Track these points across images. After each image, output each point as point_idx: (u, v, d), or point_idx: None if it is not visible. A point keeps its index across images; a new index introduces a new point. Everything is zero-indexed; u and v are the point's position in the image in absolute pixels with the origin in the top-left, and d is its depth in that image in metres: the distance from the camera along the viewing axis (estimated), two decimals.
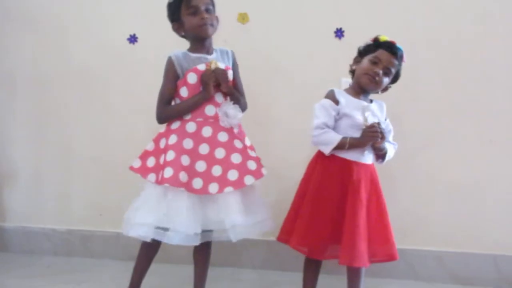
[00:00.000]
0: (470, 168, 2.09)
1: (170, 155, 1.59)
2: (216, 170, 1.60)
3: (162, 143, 1.64)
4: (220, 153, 1.62)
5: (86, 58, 2.33)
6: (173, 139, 1.62)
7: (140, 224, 1.58)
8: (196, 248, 1.73)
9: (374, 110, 1.67)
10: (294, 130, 2.17)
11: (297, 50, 2.17)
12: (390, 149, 1.68)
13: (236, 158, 1.62)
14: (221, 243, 2.19)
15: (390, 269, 2.10)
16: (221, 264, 2.23)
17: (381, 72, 1.61)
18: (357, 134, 1.60)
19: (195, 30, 1.65)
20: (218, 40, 2.19)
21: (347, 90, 1.69)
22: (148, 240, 1.59)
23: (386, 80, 1.64)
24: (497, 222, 2.07)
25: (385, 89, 1.71)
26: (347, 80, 2.05)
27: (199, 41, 1.69)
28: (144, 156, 1.66)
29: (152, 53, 2.23)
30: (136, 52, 2.28)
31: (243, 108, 1.74)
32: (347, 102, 1.63)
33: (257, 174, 1.63)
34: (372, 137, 1.58)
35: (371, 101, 1.70)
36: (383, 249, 1.61)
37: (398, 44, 1.66)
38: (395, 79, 1.70)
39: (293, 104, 2.17)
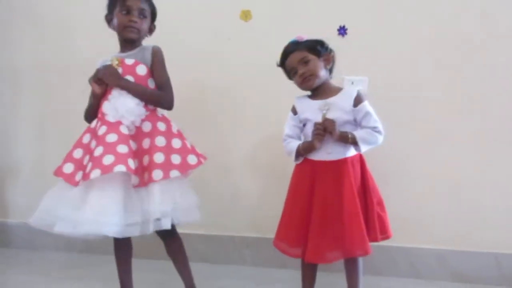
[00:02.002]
0: (471, 166, 2.08)
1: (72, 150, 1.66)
2: (89, 165, 1.55)
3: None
4: (93, 145, 1.61)
5: (90, 55, 2.32)
6: (86, 137, 1.67)
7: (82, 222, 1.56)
8: (165, 245, 1.73)
9: (337, 103, 1.62)
10: None
11: None
12: (364, 134, 1.60)
13: (97, 151, 1.55)
14: (220, 240, 2.23)
15: (391, 267, 2.10)
16: (222, 261, 2.24)
17: (304, 69, 1.63)
18: None
19: (119, 29, 1.69)
20: (221, 36, 2.21)
21: (310, 94, 1.70)
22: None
23: (318, 64, 1.64)
24: (498, 221, 2.07)
25: (327, 60, 1.67)
26: (350, 78, 2.05)
27: (124, 41, 1.73)
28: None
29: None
30: None
31: (160, 103, 1.70)
32: (304, 107, 1.66)
33: (106, 169, 1.49)
34: (316, 136, 1.58)
35: (339, 90, 1.65)
36: (355, 244, 1.56)
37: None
38: (317, 50, 1.67)
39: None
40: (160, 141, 1.63)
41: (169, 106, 1.72)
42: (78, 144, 1.67)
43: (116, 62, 1.66)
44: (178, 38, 2.19)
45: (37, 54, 2.39)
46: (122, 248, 1.73)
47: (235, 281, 2.08)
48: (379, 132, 1.61)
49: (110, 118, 1.61)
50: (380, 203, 1.67)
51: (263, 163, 2.24)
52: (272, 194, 2.15)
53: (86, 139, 1.66)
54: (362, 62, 2.10)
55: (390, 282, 2.08)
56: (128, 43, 1.72)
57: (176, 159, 1.62)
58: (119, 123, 1.60)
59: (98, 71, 1.67)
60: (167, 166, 1.59)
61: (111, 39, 2.28)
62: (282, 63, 1.71)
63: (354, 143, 1.59)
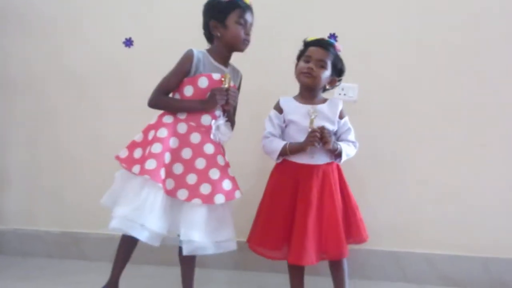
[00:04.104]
0: (460, 171, 2.12)
1: (157, 148, 1.56)
2: (191, 178, 1.58)
3: (151, 135, 1.62)
4: (201, 163, 1.60)
5: (81, 61, 2.35)
6: (162, 132, 1.59)
7: (115, 216, 1.55)
8: (180, 251, 1.71)
9: (324, 111, 1.69)
10: None
11: (291, 54, 2.18)
12: (348, 148, 1.69)
13: (214, 174, 1.59)
14: None
15: (381, 271, 2.12)
16: (212, 266, 2.24)
17: (314, 66, 1.66)
18: (304, 137, 1.64)
19: (236, 42, 1.67)
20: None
21: (296, 97, 1.74)
22: (122, 232, 1.57)
23: (325, 72, 1.68)
24: (486, 225, 2.10)
25: (333, 82, 1.75)
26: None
27: (229, 51, 1.71)
28: (132, 146, 1.63)
29: (147, 56, 2.25)
30: (131, 55, 2.30)
31: (233, 127, 1.78)
32: (291, 108, 1.70)
33: (229, 195, 1.59)
34: (311, 141, 1.60)
35: (325, 100, 1.73)
36: (333, 247, 1.63)
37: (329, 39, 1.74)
38: (339, 71, 1.74)
39: None
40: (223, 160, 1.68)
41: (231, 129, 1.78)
42: (167, 146, 1.58)
43: (227, 84, 1.63)
44: (173, 44, 2.21)
45: (28, 60, 2.39)
46: (133, 241, 1.65)
47: (225, 286, 2.09)
48: (356, 147, 1.72)
49: (216, 138, 1.64)
50: (358, 208, 1.73)
51: (249, 166, 2.24)
52: (257, 197, 2.18)
53: (174, 143, 1.60)
54: (351, 69, 2.12)
55: (379, 286, 2.10)
56: (229, 54, 1.72)
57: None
58: (220, 145, 1.66)
59: (227, 93, 1.62)
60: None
61: (103, 46, 2.32)
62: (308, 44, 1.72)
63: (338, 155, 1.66)
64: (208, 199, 1.55)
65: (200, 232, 1.56)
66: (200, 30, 2.20)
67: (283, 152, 1.65)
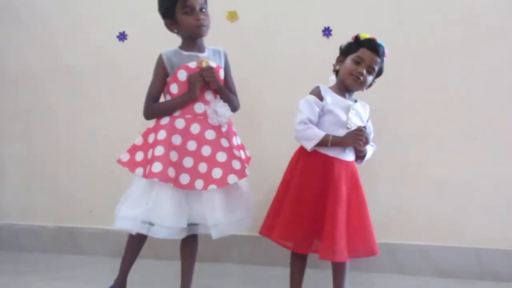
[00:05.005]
0: (454, 164, 2.14)
1: (159, 150, 1.60)
2: (202, 167, 1.62)
3: (151, 138, 1.65)
4: (206, 150, 1.63)
5: (77, 56, 2.34)
6: (162, 134, 1.63)
7: (124, 217, 1.60)
8: (183, 241, 1.75)
9: (358, 110, 1.70)
10: (282, 128, 2.19)
11: (285, 48, 2.19)
12: (370, 150, 1.71)
13: (221, 157, 1.63)
14: (208, 239, 2.24)
15: (376, 263, 2.14)
16: (209, 259, 2.25)
17: (365, 71, 1.63)
18: (339, 131, 1.63)
19: (191, 30, 1.68)
20: (207, 37, 2.22)
21: (332, 88, 1.71)
22: (133, 233, 1.62)
23: (370, 78, 1.67)
24: (479, 217, 2.12)
25: (369, 85, 1.74)
26: (335, 79, 2.08)
27: (192, 39, 1.71)
28: (133, 150, 1.67)
29: (142, 51, 2.24)
30: (125, 49, 2.29)
31: (235, 107, 1.78)
32: (332, 99, 1.65)
33: (241, 174, 1.63)
34: (356, 140, 1.60)
35: (355, 100, 1.73)
36: (363, 245, 1.63)
37: (379, 41, 1.68)
38: (378, 74, 1.73)
39: (281, 102, 2.20)
40: (235, 140, 1.72)
41: (236, 110, 1.80)
42: (170, 146, 1.62)
43: (207, 65, 1.64)
44: (167, 37, 2.20)
45: (22, 56, 2.38)
46: (141, 240, 1.70)
47: (222, 279, 2.10)
48: (374, 150, 1.73)
49: (214, 122, 1.65)
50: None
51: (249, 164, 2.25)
52: (258, 192, 2.18)
53: (177, 140, 1.63)
54: None
55: (374, 277, 2.13)
56: (197, 42, 1.72)
57: (243, 155, 1.74)
58: (220, 127, 1.67)
59: (201, 74, 1.63)
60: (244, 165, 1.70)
61: (97, 40, 2.30)
62: (361, 44, 1.65)
63: (363, 156, 1.70)
64: (222, 182, 1.60)
65: (222, 213, 1.62)
66: None
67: (323, 143, 1.60)
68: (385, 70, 2.09)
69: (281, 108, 2.19)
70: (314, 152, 1.62)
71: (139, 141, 1.68)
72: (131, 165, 1.64)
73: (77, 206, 2.36)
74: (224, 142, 1.66)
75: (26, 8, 2.36)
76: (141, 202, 1.61)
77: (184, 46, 1.73)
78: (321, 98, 1.65)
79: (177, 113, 1.66)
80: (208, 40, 2.22)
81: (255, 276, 2.14)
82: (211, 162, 1.62)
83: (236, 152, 1.67)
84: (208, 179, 1.60)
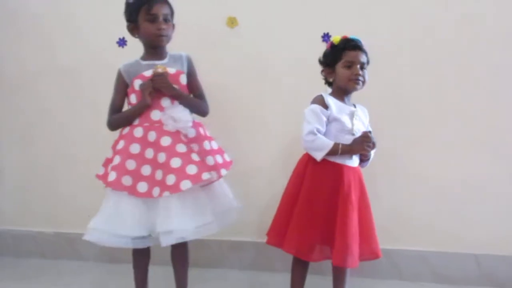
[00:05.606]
0: (453, 169, 2.14)
1: (116, 160, 1.63)
2: (158, 174, 1.61)
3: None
4: (161, 157, 1.61)
5: (74, 59, 2.34)
6: (120, 144, 1.66)
7: (90, 228, 1.61)
8: (172, 249, 1.75)
9: (360, 116, 1.70)
10: (281, 134, 2.21)
11: (285, 54, 2.20)
12: (372, 153, 1.72)
13: (175, 163, 1.59)
14: (208, 244, 2.24)
15: (375, 269, 2.14)
16: (208, 265, 2.25)
17: (360, 71, 1.64)
18: (345, 137, 1.63)
19: (150, 38, 1.69)
20: (207, 43, 2.23)
21: (332, 95, 1.71)
22: (101, 244, 1.61)
23: (366, 73, 1.67)
24: (478, 222, 2.13)
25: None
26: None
27: (151, 47, 1.73)
28: (106, 163, 1.71)
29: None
30: (124, 53, 2.29)
31: (203, 111, 1.79)
32: (337, 107, 1.65)
33: (195, 179, 1.58)
34: (364, 146, 1.61)
35: (354, 105, 1.74)
36: (368, 248, 1.64)
37: (352, 36, 1.68)
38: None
39: (280, 107, 2.20)
40: (207, 145, 1.71)
41: (206, 114, 1.80)
42: (127, 154, 1.63)
43: (161, 71, 1.65)
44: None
45: (20, 59, 2.37)
46: (143, 253, 1.72)
47: (223, 285, 2.09)
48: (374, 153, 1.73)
49: (170, 128, 1.64)
50: None
51: (244, 166, 2.25)
52: (255, 198, 2.18)
53: (135, 149, 1.64)
54: None
55: (373, 283, 2.12)
56: (157, 50, 1.73)
57: (219, 159, 1.73)
58: (178, 132, 1.65)
59: (151, 81, 1.65)
60: (218, 167, 1.69)
61: (97, 45, 2.31)
62: (343, 48, 1.65)
63: (365, 160, 1.71)
64: (175, 189, 1.57)
65: (177, 220, 1.58)
66: (192, 29, 2.22)
67: (332, 152, 1.60)
68: (384, 73, 2.11)
69: (281, 114, 2.20)
70: (322, 161, 1.62)
71: (110, 153, 1.71)
72: (105, 178, 1.66)
73: (75, 211, 2.34)
74: (180, 148, 1.63)
75: (23, 10, 2.35)
76: (101, 213, 1.63)
77: (144, 55, 1.75)
78: (325, 106, 1.64)
79: (136, 122, 1.68)
80: (207, 46, 2.24)
81: (255, 282, 2.13)
82: (166, 168, 1.60)
83: (194, 157, 1.63)
84: (163, 186, 1.59)
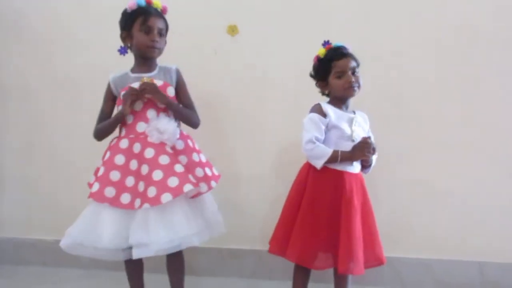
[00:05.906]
0: (455, 176, 2.13)
1: (101, 171, 1.64)
2: (141, 186, 1.61)
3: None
4: (144, 169, 1.61)
5: (75, 68, 2.35)
6: (107, 155, 1.67)
7: (67, 235, 1.62)
8: (167, 258, 1.73)
9: (360, 122, 1.71)
10: (281, 141, 2.20)
11: (286, 62, 2.20)
12: (373, 158, 1.72)
13: (157, 175, 1.58)
14: (207, 252, 2.23)
15: (378, 277, 2.12)
16: (208, 273, 2.24)
17: (352, 77, 1.65)
18: (345, 144, 1.63)
19: (142, 49, 1.71)
20: (207, 51, 2.24)
21: (330, 103, 1.71)
22: (72, 252, 1.63)
23: (359, 77, 1.68)
24: (481, 229, 2.11)
25: None
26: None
27: (142, 58, 1.74)
28: (96, 172, 1.72)
29: None
30: (124, 61, 2.29)
31: (194, 123, 1.79)
32: (335, 114, 1.66)
33: (176, 191, 1.56)
34: (364, 152, 1.61)
35: (354, 112, 1.74)
36: (372, 254, 1.63)
37: (336, 44, 1.70)
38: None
39: (281, 115, 2.21)
40: (196, 157, 1.71)
41: (197, 125, 1.80)
42: (111, 165, 1.63)
43: (148, 82, 1.66)
44: (167, 52, 2.22)
45: (21, 68, 2.39)
46: (135, 263, 1.72)
47: None
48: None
49: (154, 139, 1.64)
50: None
51: (244, 173, 2.26)
52: (254, 205, 2.18)
53: (120, 160, 1.64)
54: None
55: None
56: (147, 61, 1.75)
57: (208, 172, 1.74)
58: (163, 144, 1.64)
59: (133, 91, 1.65)
60: (208, 179, 1.70)
61: (97, 54, 2.32)
62: (329, 60, 1.67)
63: (369, 166, 1.71)
64: (155, 201, 1.55)
65: (153, 232, 1.55)
66: (191, 37, 2.24)
67: (332, 159, 1.60)
68: (385, 82, 2.11)
69: (282, 121, 2.20)
70: (323, 168, 1.62)
71: (100, 164, 1.72)
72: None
73: (76, 219, 2.34)
74: (162, 160, 1.61)
75: (23, 20, 2.37)
76: (79, 223, 1.64)
77: (134, 67, 1.77)
78: (323, 114, 1.65)
79: (122, 134, 1.70)
80: (208, 53, 2.25)
81: None
82: (148, 180, 1.59)
83: (177, 168, 1.61)
84: (144, 198, 1.58)
